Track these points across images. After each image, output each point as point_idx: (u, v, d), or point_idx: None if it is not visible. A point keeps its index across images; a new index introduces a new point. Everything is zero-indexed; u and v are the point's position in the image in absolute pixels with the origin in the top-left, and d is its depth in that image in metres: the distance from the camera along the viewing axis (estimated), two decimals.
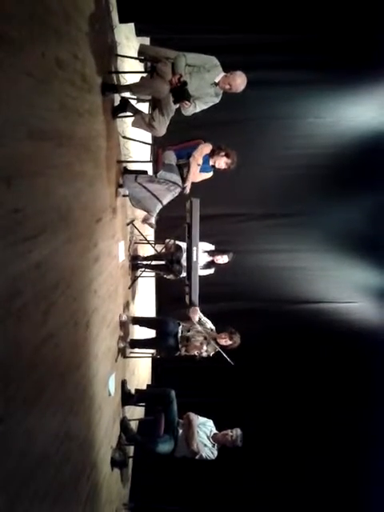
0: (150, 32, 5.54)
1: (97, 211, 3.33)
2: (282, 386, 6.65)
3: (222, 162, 4.49)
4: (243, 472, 5.78)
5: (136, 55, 4.07)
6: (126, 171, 4.43)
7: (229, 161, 4.47)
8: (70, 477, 2.66)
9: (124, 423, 4.35)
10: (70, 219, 2.59)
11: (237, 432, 4.52)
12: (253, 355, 6.20)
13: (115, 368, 4.04)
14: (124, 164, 4.47)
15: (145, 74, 4.01)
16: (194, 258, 4.61)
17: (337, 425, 6.27)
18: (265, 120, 6.36)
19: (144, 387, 5.98)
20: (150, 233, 5.90)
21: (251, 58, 5.76)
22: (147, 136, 5.26)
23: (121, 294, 4.40)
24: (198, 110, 4.01)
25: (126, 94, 3.96)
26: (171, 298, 6.50)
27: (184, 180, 4.42)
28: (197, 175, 4.52)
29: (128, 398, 4.48)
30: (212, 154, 4.48)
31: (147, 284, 6.72)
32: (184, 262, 4.99)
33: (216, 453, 4.52)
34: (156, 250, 5.44)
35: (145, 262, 5.34)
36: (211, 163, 4.52)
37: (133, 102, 4.09)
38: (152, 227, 4.81)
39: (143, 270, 5.31)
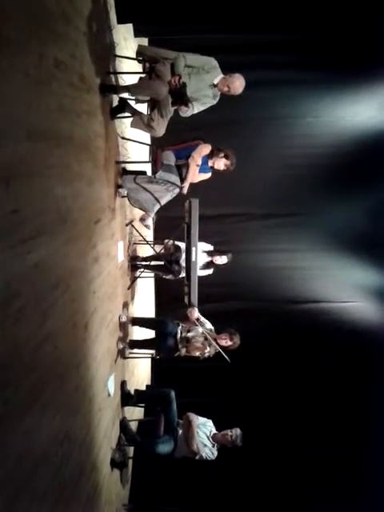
0: (149, 32, 5.53)
1: (96, 212, 3.33)
2: (282, 386, 6.65)
3: (221, 164, 4.49)
4: (243, 472, 5.78)
5: (134, 56, 4.07)
6: (125, 172, 4.43)
7: (228, 162, 4.47)
8: (70, 477, 2.65)
9: (124, 424, 4.35)
10: (68, 220, 2.59)
11: (236, 432, 4.52)
12: (252, 355, 6.19)
13: (114, 369, 4.04)
14: (123, 165, 4.47)
15: (143, 75, 4.01)
16: (193, 259, 4.61)
17: (337, 424, 6.27)
18: (264, 120, 6.36)
19: (143, 388, 5.98)
20: (149, 233, 5.90)
21: (250, 58, 5.76)
22: (146, 136, 5.26)
23: (120, 294, 4.40)
24: (195, 111, 4.02)
25: (125, 95, 3.95)
26: (170, 299, 6.49)
27: (183, 180, 4.42)
28: (196, 176, 4.52)
29: (127, 398, 4.48)
30: (211, 155, 4.48)
31: (146, 284, 6.72)
32: (183, 263, 4.99)
33: (216, 453, 4.52)
34: (155, 250, 5.44)
35: (144, 263, 5.34)
36: (210, 164, 4.52)
37: (131, 103, 4.09)
38: (148, 228, 4.80)
39: (142, 270, 5.31)
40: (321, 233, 6.88)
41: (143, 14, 4.67)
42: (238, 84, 3.88)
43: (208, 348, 4.68)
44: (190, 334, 4.74)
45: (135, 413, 5.13)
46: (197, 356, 4.72)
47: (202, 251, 5.13)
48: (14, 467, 1.86)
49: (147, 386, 6.39)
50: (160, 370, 6.90)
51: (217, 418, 4.81)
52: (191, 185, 4.55)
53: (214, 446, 4.52)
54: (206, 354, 4.70)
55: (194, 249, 4.60)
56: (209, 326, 4.83)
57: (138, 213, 5.05)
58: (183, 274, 4.96)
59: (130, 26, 5.04)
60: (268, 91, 6.01)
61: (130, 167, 4.59)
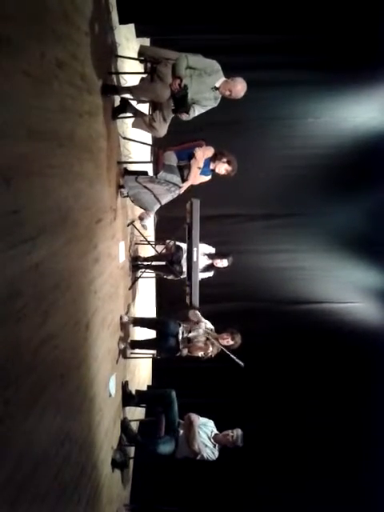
0: (150, 33, 5.54)
1: (97, 212, 3.33)
2: (284, 386, 6.64)
3: (222, 168, 4.48)
4: (244, 473, 5.78)
5: (136, 56, 4.07)
6: (127, 172, 4.43)
7: (229, 168, 4.46)
8: (71, 478, 2.65)
9: (125, 424, 4.35)
10: (69, 220, 2.59)
11: (237, 432, 4.52)
12: (253, 355, 6.15)
13: (116, 369, 4.04)
14: (124, 165, 4.47)
15: (145, 75, 4.01)
16: (195, 259, 4.61)
17: (338, 425, 6.26)
18: (265, 120, 6.36)
19: (144, 388, 5.98)
20: (150, 233, 5.90)
21: (251, 59, 5.76)
22: (147, 137, 5.26)
23: (121, 294, 4.40)
24: (196, 114, 4.01)
25: (127, 95, 3.95)
26: (172, 299, 6.49)
27: (184, 181, 4.42)
28: (196, 177, 4.52)
29: (129, 398, 4.48)
30: (214, 159, 4.47)
31: (147, 285, 6.72)
32: (184, 263, 4.98)
33: (217, 453, 4.52)
34: (156, 250, 5.44)
35: (145, 263, 5.33)
36: (211, 167, 4.51)
37: (133, 103, 4.09)
38: (145, 228, 4.81)
39: (143, 270, 5.31)
40: (322, 233, 6.87)
41: (145, 15, 4.67)
42: (239, 88, 3.88)
43: (211, 348, 4.67)
44: (191, 334, 4.74)
45: (136, 413, 5.13)
46: (199, 356, 4.72)
47: (203, 254, 5.13)
48: (15, 467, 1.86)
49: (148, 387, 6.39)
50: (161, 370, 6.89)
51: (218, 418, 4.81)
52: (192, 185, 4.55)
53: (215, 447, 4.51)
54: (209, 354, 4.70)
55: (195, 249, 4.60)
56: (209, 325, 4.83)
57: (140, 212, 5.05)
58: (184, 275, 4.96)
59: (131, 26, 5.04)
60: (269, 92, 6.02)
61: (132, 167, 4.59)
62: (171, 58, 3.74)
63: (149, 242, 5.52)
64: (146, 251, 5.83)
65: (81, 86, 2.90)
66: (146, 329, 5.12)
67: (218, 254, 5.27)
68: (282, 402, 6.55)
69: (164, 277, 5.42)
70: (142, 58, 3.99)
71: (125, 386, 4.47)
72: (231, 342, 4.67)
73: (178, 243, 5.18)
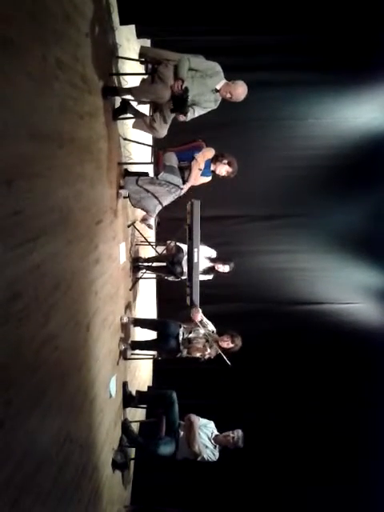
0: (151, 34, 5.54)
1: (97, 213, 3.33)
2: (284, 388, 6.64)
3: (223, 170, 4.48)
4: (245, 474, 5.77)
5: (137, 57, 4.07)
6: (127, 173, 4.43)
7: (230, 169, 4.46)
8: (72, 479, 2.65)
9: (125, 425, 4.35)
10: (70, 221, 2.59)
11: (238, 433, 4.51)
12: (254, 356, 6.19)
13: (116, 370, 4.04)
14: (125, 166, 4.47)
15: (146, 76, 4.01)
16: (195, 260, 4.61)
17: (339, 426, 6.25)
18: (265, 121, 6.36)
19: (145, 389, 5.97)
20: (150, 234, 5.90)
21: (252, 60, 5.77)
22: (148, 138, 5.26)
23: (122, 295, 4.40)
24: (195, 115, 4.02)
25: (127, 96, 3.96)
26: (172, 300, 6.49)
27: (185, 183, 4.42)
28: (197, 179, 4.52)
29: (129, 399, 4.48)
30: (214, 160, 4.48)
31: (148, 286, 6.72)
32: (185, 264, 4.98)
33: (217, 454, 4.51)
34: (157, 251, 5.44)
35: (146, 264, 5.34)
36: (212, 168, 4.51)
37: (133, 104, 4.09)
38: (150, 228, 4.81)
39: (144, 271, 5.31)
40: (322, 234, 6.88)
41: (146, 16, 4.67)
42: (240, 91, 3.89)
43: (209, 349, 4.67)
44: (191, 335, 4.74)
45: (137, 414, 5.13)
46: (198, 357, 4.72)
47: (204, 257, 5.13)
48: (16, 468, 1.86)
49: (149, 387, 6.39)
50: (162, 371, 6.89)
51: (218, 419, 4.80)
52: (193, 186, 4.55)
53: (215, 448, 4.51)
54: (207, 356, 4.70)
55: (195, 250, 4.60)
56: (211, 327, 4.82)
57: (140, 214, 5.05)
58: (185, 276, 4.96)
59: (132, 27, 5.04)
60: (270, 92, 6.02)
61: (132, 168, 4.59)
62: (172, 59, 3.75)
63: (149, 243, 5.52)
64: (147, 252, 5.83)
65: (81, 87, 2.90)
66: (146, 330, 5.12)
67: (221, 259, 5.26)
68: (282, 403, 6.55)
69: (164, 278, 5.42)
70: (143, 59, 3.99)
71: (125, 386, 4.46)
72: (231, 345, 4.66)
73: (178, 244, 5.19)
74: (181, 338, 4.72)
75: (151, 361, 6.72)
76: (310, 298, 7.05)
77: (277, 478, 5.85)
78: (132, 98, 3.97)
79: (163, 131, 4.07)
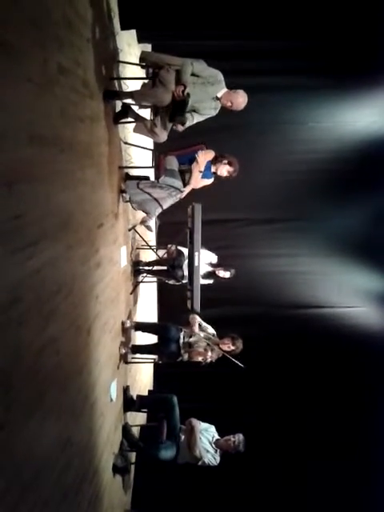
0: (152, 39, 5.57)
1: (98, 217, 3.34)
2: (284, 391, 6.63)
3: (224, 170, 4.49)
4: (246, 478, 5.75)
5: (138, 62, 4.09)
6: (128, 177, 4.44)
7: (231, 169, 4.47)
8: (72, 483, 2.65)
9: (126, 429, 4.34)
10: (71, 225, 2.59)
11: (239, 437, 4.50)
12: (254, 360, 6.16)
13: (117, 374, 4.03)
14: (126, 170, 4.48)
15: (146, 81, 4.02)
16: (196, 264, 4.61)
17: (339, 429, 6.24)
18: (265, 125, 6.38)
19: (146, 393, 5.96)
20: (151, 238, 5.90)
21: (252, 64, 5.78)
22: (149, 142, 5.27)
23: (122, 299, 4.40)
24: (194, 122, 4.03)
25: (128, 101, 3.97)
26: (173, 304, 6.49)
27: (186, 186, 4.43)
28: (198, 181, 4.53)
29: (130, 403, 4.47)
30: (214, 161, 4.49)
31: (149, 289, 6.72)
32: (186, 268, 4.98)
33: (218, 459, 4.50)
34: (158, 255, 5.44)
35: (146, 268, 5.34)
36: (213, 170, 4.52)
37: (134, 108, 4.11)
38: (150, 230, 4.81)
39: (145, 275, 5.31)
40: (323, 238, 6.88)
41: (146, 21, 4.70)
42: (241, 100, 3.91)
43: (210, 353, 4.67)
44: (192, 339, 4.74)
45: (138, 418, 5.12)
46: (199, 361, 4.72)
47: (205, 263, 5.13)
48: (16, 472, 1.85)
49: (149, 391, 6.38)
50: (162, 375, 6.88)
51: (219, 423, 4.79)
52: (194, 190, 4.56)
53: (216, 452, 4.50)
54: (208, 360, 4.69)
55: (196, 254, 4.60)
56: (211, 330, 4.82)
57: (141, 217, 5.06)
58: (186, 280, 4.96)
59: (133, 32, 5.07)
60: (270, 96, 6.03)
61: (133, 172, 4.60)
62: (173, 64, 3.76)
63: (150, 247, 5.52)
64: (148, 256, 5.83)
65: (82, 91, 2.91)
66: (147, 334, 5.12)
67: (222, 265, 5.27)
68: (283, 407, 6.54)
69: (165, 281, 5.42)
70: (144, 64, 4.00)
71: (126, 390, 4.46)
72: (232, 347, 4.66)
73: (179, 248, 5.19)
74: (181, 341, 4.71)
75: (152, 365, 6.72)
76: (310, 302, 7.05)
77: (278, 482, 5.83)
78: (133, 102, 3.99)
79: (164, 135, 4.08)
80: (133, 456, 4.77)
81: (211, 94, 3.87)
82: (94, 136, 3.23)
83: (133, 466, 4.87)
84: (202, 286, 4.81)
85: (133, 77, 4.53)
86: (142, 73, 4.32)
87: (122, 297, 4.33)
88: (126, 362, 4.53)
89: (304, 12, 4.82)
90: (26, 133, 1.96)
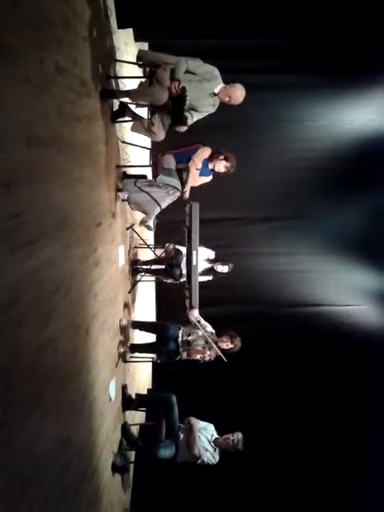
0: (149, 37, 5.56)
1: (96, 216, 3.33)
2: (283, 390, 6.64)
3: (221, 166, 4.49)
4: (245, 476, 5.77)
5: (135, 60, 4.09)
6: (126, 176, 4.44)
7: (228, 164, 4.47)
8: (71, 482, 2.65)
9: (125, 428, 4.34)
10: (69, 224, 2.59)
11: (238, 436, 4.51)
12: (253, 359, 6.19)
13: (116, 373, 4.03)
14: (123, 169, 4.48)
15: (143, 80, 4.02)
16: (194, 262, 4.61)
17: (337, 428, 6.25)
18: (263, 123, 6.38)
19: (144, 392, 5.97)
20: (149, 237, 5.90)
21: (250, 63, 5.78)
22: (146, 141, 5.27)
23: (121, 298, 4.40)
24: (194, 120, 4.03)
25: (125, 99, 3.97)
26: (171, 302, 6.49)
27: (183, 184, 4.43)
28: (196, 179, 4.53)
29: (129, 402, 4.47)
30: (211, 158, 4.49)
31: (147, 288, 6.72)
32: (184, 266, 4.98)
33: (217, 457, 4.51)
34: (156, 254, 5.44)
35: (145, 267, 5.33)
36: (210, 167, 4.52)
37: (132, 107, 4.11)
38: (150, 230, 4.80)
39: (143, 274, 5.31)
40: (321, 236, 6.88)
41: (143, 19, 4.69)
42: (239, 94, 3.90)
43: (208, 351, 4.66)
44: (190, 338, 4.74)
45: (136, 417, 5.12)
46: (197, 359, 4.72)
47: (203, 259, 5.13)
48: (15, 472, 1.85)
49: (148, 390, 6.38)
50: (161, 374, 6.89)
51: (218, 422, 4.80)
52: (192, 188, 4.55)
53: (215, 451, 4.50)
54: (207, 358, 4.69)
55: (194, 253, 4.60)
56: (210, 329, 4.82)
57: (139, 217, 5.06)
58: (184, 278, 4.96)
59: (130, 30, 5.06)
60: (267, 95, 6.03)
61: (131, 171, 4.59)
62: (170, 63, 3.76)
63: (148, 246, 5.52)
64: (146, 255, 5.83)
65: (80, 90, 2.91)
66: (145, 332, 5.12)
67: (219, 260, 5.27)
68: (282, 406, 6.55)
69: (163, 280, 5.42)
70: (141, 63, 4.00)
71: (125, 389, 4.46)
72: (231, 346, 4.66)
73: (177, 247, 5.19)
74: (180, 340, 4.71)
75: (151, 363, 6.72)
76: (309, 300, 7.05)
77: (277, 480, 5.85)
78: (130, 101, 3.98)
79: (161, 134, 4.08)
80: (132, 455, 4.77)
81: (208, 90, 3.87)
82: (92, 135, 3.22)
83: (132, 465, 4.88)
84: (201, 283, 4.81)
85: (130, 76, 4.52)
86: (139, 72, 4.32)
87: (120, 296, 4.33)
88: (125, 361, 4.53)
89: (302, 10, 4.82)
90: (24, 133, 1.96)
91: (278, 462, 5.94)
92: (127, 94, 3.88)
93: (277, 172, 6.62)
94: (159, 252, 5.40)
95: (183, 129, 3.94)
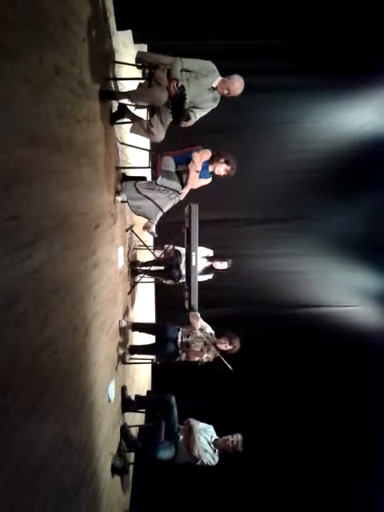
0: (148, 39, 5.57)
1: (95, 217, 3.33)
2: (283, 391, 6.64)
3: (221, 169, 4.48)
4: (244, 478, 5.76)
5: (134, 62, 4.09)
6: (125, 177, 4.43)
7: (228, 167, 4.46)
8: (70, 484, 2.64)
9: (124, 430, 4.34)
10: (68, 225, 2.59)
11: (237, 437, 4.50)
12: (252, 360, 6.18)
13: (115, 374, 4.03)
14: (122, 170, 4.47)
15: (143, 81, 4.02)
16: (194, 263, 4.61)
17: (337, 429, 6.25)
18: (262, 125, 6.39)
19: (144, 393, 5.96)
20: (148, 238, 5.90)
21: (249, 64, 5.78)
22: (145, 142, 5.27)
23: (120, 299, 4.39)
24: (197, 118, 4.03)
25: (124, 101, 3.97)
26: (170, 304, 6.49)
27: (183, 187, 4.42)
28: (196, 181, 4.52)
29: (128, 404, 4.47)
30: (211, 161, 4.48)
31: (146, 290, 6.72)
32: (183, 268, 4.98)
33: (217, 458, 4.50)
34: (155, 255, 5.44)
35: (144, 268, 5.33)
36: (210, 169, 4.51)
37: (131, 108, 4.11)
38: (153, 235, 4.79)
39: (142, 275, 5.31)
40: (321, 237, 6.89)
41: (142, 21, 4.69)
42: (237, 85, 3.88)
43: (206, 353, 4.66)
44: (189, 339, 4.73)
45: (136, 418, 5.11)
46: (196, 361, 4.71)
47: (201, 256, 5.13)
48: (14, 474, 1.85)
49: (148, 392, 6.38)
50: (160, 375, 6.88)
51: (218, 423, 4.79)
52: (191, 190, 4.55)
53: (215, 452, 4.50)
54: (205, 360, 4.68)
55: (194, 254, 4.60)
56: (209, 330, 4.82)
57: (138, 218, 5.06)
58: (183, 279, 4.96)
59: (129, 32, 5.07)
60: (267, 96, 6.05)
61: (130, 173, 4.59)
62: (168, 64, 3.76)
63: (147, 247, 5.52)
64: (145, 256, 5.83)
65: (79, 91, 2.91)
66: (145, 334, 5.12)
67: (218, 257, 5.27)
68: (281, 407, 6.54)
69: (163, 282, 5.41)
70: (140, 64, 4.00)
71: (124, 391, 4.46)
72: (229, 347, 4.65)
73: (176, 248, 5.19)
74: (179, 341, 4.71)
75: (150, 365, 6.71)
76: (308, 301, 7.06)
77: (276, 481, 5.84)
78: (129, 103, 3.98)
79: (161, 135, 4.07)
80: (131, 456, 4.77)
81: (207, 85, 3.86)
82: (91, 136, 3.22)
83: (131, 467, 4.87)
84: (201, 284, 4.81)
85: (129, 77, 4.53)
86: (138, 73, 4.32)
87: (119, 297, 4.33)
88: (124, 363, 4.53)
89: (300, 12, 4.82)
90: (23, 133, 1.95)
91: (278, 464, 5.93)
92: (126, 95, 3.88)
93: (276, 173, 6.63)
94: (158, 253, 5.40)
95: (188, 123, 3.91)
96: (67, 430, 2.57)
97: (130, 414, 4.74)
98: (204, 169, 4.47)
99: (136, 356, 4.83)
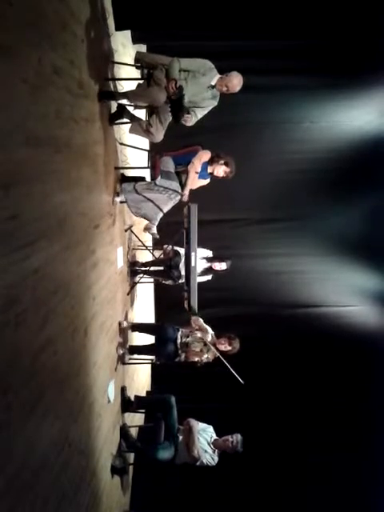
0: (147, 39, 5.56)
1: (95, 217, 3.33)
2: (282, 391, 6.63)
3: (220, 171, 4.48)
4: (244, 478, 5.75)
5: (132, 62, 4.09)
6: (124, 177, 4.43)
7: (228, 169, 4.47)
8: (70, 484, 2.64)
9: (124, 430, 4.34)
10: (67, 226, 2.59)
11: (237, 438, 4.50)
12: (252, 360, 6.18)
13: (114, 374, 4.03)
14: (121, 171, 4.47)
15: (141, 81, 4.02)
16: (193, 264, 4.61)
17: (337, 429, 6.25)
18: (261, 125, 6.38)
19: (143, 394, 5.96)
20: (148, 239, 5.90)
21: (248, 64, 5.77)
22: (144, 142, 5.27)
23: (119, 300, 4.39)
24: (198, 117, 4.03)
25: (123, 101, 3.97)
26: (170, 304, 6.49)
27: (183, 187, 4.42)
28: (195, 182, 4.52)
29: (128, 404, 4.47)
30: (211, 162, 4.48)
31: (146, 290, 6.72)
32: (182, 268, 4.98)
33: (217, 459, 4.50)
34: (154, 255, 5.44)
35: (143, 268, 5.33)
36: (209, 171, 4.51)
37: (130, 109, 4.11)
38: (155, 237, 4.78)
39: (142, 276, 5.31)
40: (320, 237, 6.88)
41: (141, 21, 4.69)
42: (236, 82, 3.88)
43: (206, 354, 4.65)
44: (189, 340, 4.73)
45: (135, 419, 5.11)
46: (195, 361, 4.71)
47: (201, 257, 5.13)
48: (14, 474, 1.85)
49: (147, 392, 6.37)
50: (160, 375, 6.88)
51: (217, 423, 4.79)
52: (190, 190, 4.55)
53: (214, 452, 4.50)
54: (204, 360, 4.68)
55: (193, 254, 4.60)
56: (209, 330, 4.81)
57: (138, 218, 5.06)
58: (182, 280, 4.96)
59: (127, 32, 5.07)
60: (266, 96, 6.04)
61: (129, 173, 4.59)
62: (166, 64, 3.76)
63: (146, 248, 5.52)
64: (144, 256, 5.83)
65: (78, 92, 2.91)
66: (144, 334, 5.12)
67: (217, 258, 5.27)
68: (281, 407, 6.54)
69: (162, 282, 5.41)
70: (139, 64, 4.00)
71: (124, 391, 4.45)
72: (228, 348, 4.65)
73: (176, 248, 5.18)
74: (179, 342, 4.71)
75: (149, 365, 6.71)
76: (308, 301, 7.05)
77: (276, 482, 5.83)
78: (128, 103, 3.99)
79: (160, 135, 4.07)
80: (131, 457, 4.77)
81: (205, 84, 3.86)
82: (90, 137, 3.22)
83: (131, 467, 4.87)
84: (201, 284, 4.80)
85: (128, 77, 4.53)
86: (136, 74, 4.32)
87: (118, 297, 4.33)
88: (124, 363, 4.53)
89: (300, 12, 4.82)
90: (22, 134, 1.96)
91: (278, 464, 5.93)
92: (125, 95, 3.88)
93: (276, 173, 6.62)
94: (158, 253, 5.40)
95: (189, 123, 3.91)
96: (67, 430, 2.57)
97: (130, 415, 4.74)
98: (203, 169, 4.47)
99: (135, 356, 4.82)
